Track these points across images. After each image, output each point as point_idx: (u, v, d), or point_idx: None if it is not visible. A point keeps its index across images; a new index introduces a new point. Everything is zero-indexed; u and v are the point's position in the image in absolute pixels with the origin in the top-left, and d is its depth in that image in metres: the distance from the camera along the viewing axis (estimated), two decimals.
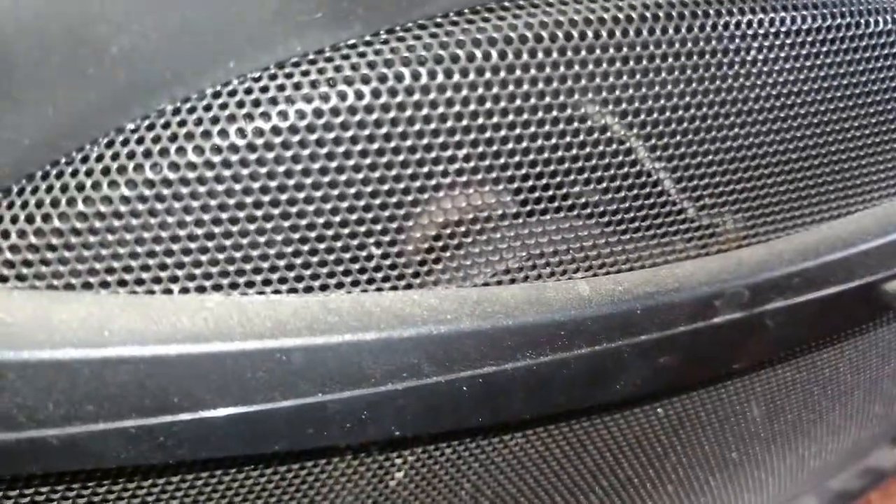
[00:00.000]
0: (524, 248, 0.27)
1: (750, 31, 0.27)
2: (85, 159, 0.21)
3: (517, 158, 0.24)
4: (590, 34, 0.24)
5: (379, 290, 0.24)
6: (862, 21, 0.28)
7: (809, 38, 0.28)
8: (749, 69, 0.27)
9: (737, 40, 0.26)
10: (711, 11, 0.26)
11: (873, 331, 0.38)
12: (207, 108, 0.21)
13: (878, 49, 0.29)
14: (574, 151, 0.25)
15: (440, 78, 0.22)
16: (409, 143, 0.23)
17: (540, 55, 0.23)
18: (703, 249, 0.30)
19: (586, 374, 0.26)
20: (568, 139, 0.25)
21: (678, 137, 0.28)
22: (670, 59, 0.25)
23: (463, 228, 0.25)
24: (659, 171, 0.29)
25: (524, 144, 0.24)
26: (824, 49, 0.28)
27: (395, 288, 0.25)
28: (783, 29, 0.27)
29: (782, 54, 0.27)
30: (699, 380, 0.31)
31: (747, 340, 0.29)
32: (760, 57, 0.27)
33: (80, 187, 0.21)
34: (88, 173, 0.21)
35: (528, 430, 0.30)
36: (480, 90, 0.23)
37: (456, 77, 0.22)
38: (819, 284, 0.30)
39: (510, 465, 0.31)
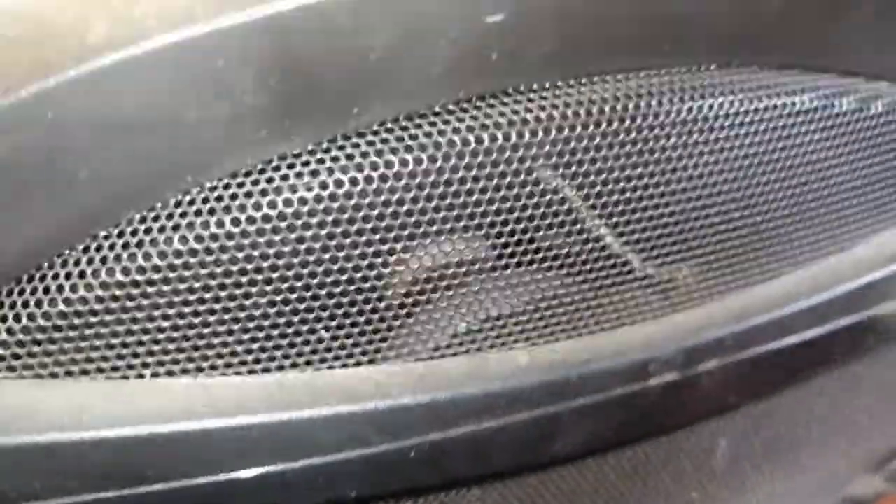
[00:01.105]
0: (469, 316, 0.29)
1: (688, 118, 0.29)
2: (64, 263, 0.24)
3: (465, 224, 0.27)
4: (514, 137, 0.26)
5: (330, 368, 0.27)
6: (787, 101, 0.30)
7: (747, 119, 0.30)
8: (685, 152, 0.30)
9: (667, 128, 0.29)
10: (632, 105, 0.28)
11: (830, 374, 0.40)
12: (169, 216, 0.24)
13: (804, 125, 0.31)
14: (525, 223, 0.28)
15: (375, 183, 0.25)
16: (348, 241, 0.25)
17: (467, 158, 0.26)
18: (667, 301, 0.32)
19: (526, 436, 0.29)
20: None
21: (623, 205, 0.30)
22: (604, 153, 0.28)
23: (408, 309, 0.28)
24: (607, 234, 0.31)
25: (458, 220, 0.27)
26: (761, 129, 0.30)
27: (345, 366, 0.27)
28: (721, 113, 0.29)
29: (722, 136, 0.30)
30: (639, 437, 0.34)
31: (684, 399, 0.31)
32: (700, 139, 0.29)
33: (60, 289, 0.24)
34: (67, 276, 0.24)
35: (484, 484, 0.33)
36: (413, 192, 0.25)
37: (389, 182, 0.25)
38: (753, 343, 0.32)
39: None
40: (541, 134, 0.26)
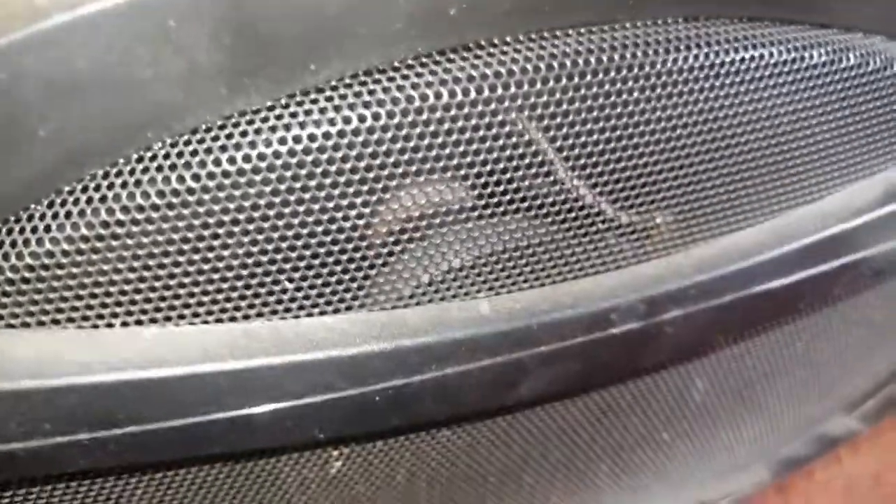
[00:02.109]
0: (433, 267, 0.30)
1: (652, 72, 0.29)
2: (30, 218, 0.25)
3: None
4: (473, 93, 0.26)
5: (295, 317, 0.28)
6: (756, 54, 0.30)
7: (713, 72, 0.30)
8: (648, 105, 0.30)
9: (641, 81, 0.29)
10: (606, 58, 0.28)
11: (800, 322, 0.41)
12: (132, 171, 0.25)
13: (774, 78, 0.31)
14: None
15: (334, 139, 0.25)
16: (308, 195, 0.26)
17: (426, 114, 0.26)
18: (630, 251, 0.33)
19: (489, 381, 0.30)
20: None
21: (593, 154, 0.30)
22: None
23: (372, 261, 0.29)
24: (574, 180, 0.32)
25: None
26: (729, 82, 0.30)
27: (309, 315, 0.28)
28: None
29: (686, 89, 0.30)
30: (604, 383, 0.35)
31: (648, 346, 0.32)
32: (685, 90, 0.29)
33: (27, 242, 0.25)
34: (33, 230, 0.25)
35: (454, 425, 0.34)
36: (372, 148, 0.26)
37: (348, 137, 0.25)
38: (717, 293, 0.32)
39: (440, 454, 0.35)
40: (500, 90, 0.26)
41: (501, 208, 0.31)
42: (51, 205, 0.25)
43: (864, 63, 0.32)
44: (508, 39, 0.27)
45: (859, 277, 0.36)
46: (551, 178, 0.31)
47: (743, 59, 0.30)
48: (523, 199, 0.31)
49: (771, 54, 0.30)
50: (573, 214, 0.32)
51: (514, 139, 0.29)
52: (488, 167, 0.29)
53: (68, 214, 0.25)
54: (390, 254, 0.29)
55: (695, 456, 0.46)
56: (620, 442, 0.40)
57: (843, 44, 0.31)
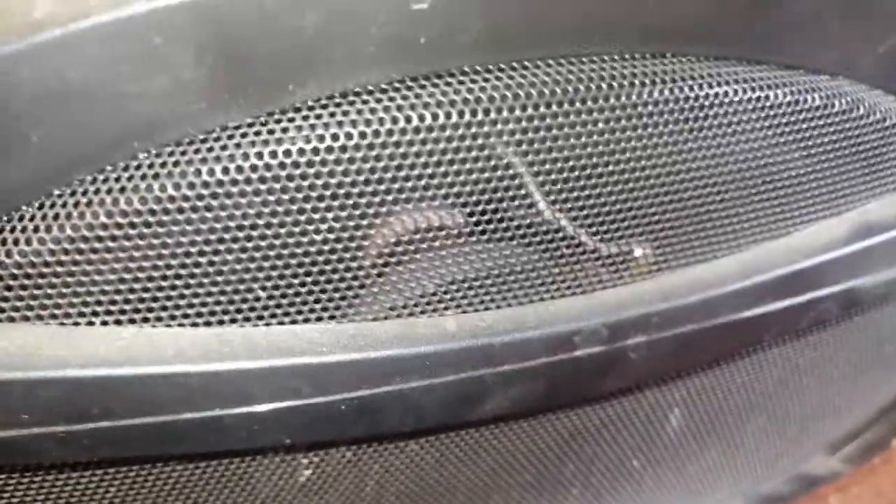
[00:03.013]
0: (407, 290, 0.31)
1: (616, 104, 0.30)
2: (21, 218, 0.27)
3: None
4: (441, 118, 0.28)
5: (267, 325, 0.29)
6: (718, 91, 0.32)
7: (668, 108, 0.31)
8: (613, 136, 0.31)
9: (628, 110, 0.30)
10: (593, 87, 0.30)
11: (771, 357, 0.42)
12: (117, 179, 0.26)
13: (736, 117, 0.32)
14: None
15: (307, 156, 0.27)
16: (282, 209, 0.27)
17: (396, 136, 0.27)
18: (618, 275, 0.34)
19: (453, 396, 0.31)
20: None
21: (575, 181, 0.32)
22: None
23: (347, 275, 0.30)
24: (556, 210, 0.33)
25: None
26: (691, 117, 0.32)
27: (281, 323, 0.29)
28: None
29: (651, 122, 0.31)
30: (568, 403, 0.36)
31: (611, 371, 0.33)
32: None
33: (16, 242, 0.27)
34: (23, 230, 0.27)
35: (421, 439, 0.35)
36: (344, 167, 0.27)
37: (321, 156, 0.27)
38: (681, 322, 0.33)
39: (409, 467, 0.36)
40: (468, 116, 0.28)
41: (478, 234, 0.32)
42: (41, 207, 0.26)
43: (829, 104, 0.33)
44: (479, 69, 0.28)
45: (825, 314, 0.36)
46: (529, 205, 0.32)
47: (707, 96, 0.31)
48: (501, 226, 0.32)
49: (735, 91, 0.31)
50: (548, 240, 0.33)
51: (490, 165, 0.30)
52: (466, 193, 0.30)
53: (56, 217, 0.26)
54: (366, 275, 0.30)
55: (667, 486, 0.47)
56: (590, 466, 0.41)
57: (808, 84, 0.32)
